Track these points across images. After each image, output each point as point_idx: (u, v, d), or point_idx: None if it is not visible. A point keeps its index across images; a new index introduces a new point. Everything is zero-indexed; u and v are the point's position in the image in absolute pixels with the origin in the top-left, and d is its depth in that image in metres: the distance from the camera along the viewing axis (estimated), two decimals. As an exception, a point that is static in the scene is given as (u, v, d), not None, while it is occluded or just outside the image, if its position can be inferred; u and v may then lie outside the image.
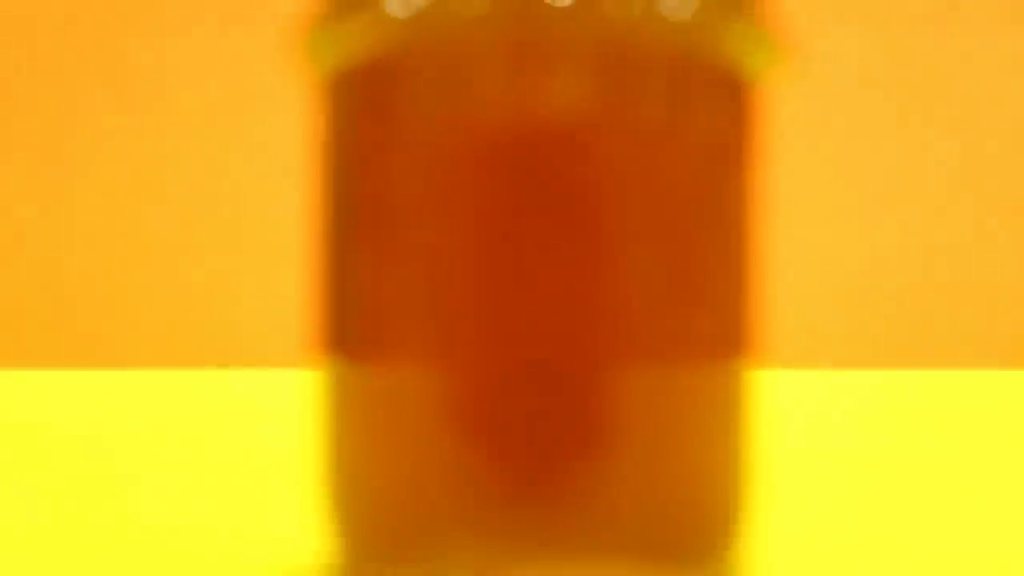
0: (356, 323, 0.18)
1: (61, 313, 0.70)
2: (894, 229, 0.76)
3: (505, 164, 0.16)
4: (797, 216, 0.70)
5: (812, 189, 0.74)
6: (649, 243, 0.16)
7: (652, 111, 0.17)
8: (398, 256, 0.17)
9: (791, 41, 0.17)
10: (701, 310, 0.17)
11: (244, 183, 0.63)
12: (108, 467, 0.33)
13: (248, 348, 0.59)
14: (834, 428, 0.45)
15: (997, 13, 0.78)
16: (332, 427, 0.18)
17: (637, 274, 0.16)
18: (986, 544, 0.24)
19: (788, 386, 0.60)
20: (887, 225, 0.76)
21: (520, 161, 0.16)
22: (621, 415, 0.16)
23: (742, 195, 0.18)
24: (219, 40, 0.63)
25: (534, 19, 0.16)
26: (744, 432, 0.18)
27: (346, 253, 0.18)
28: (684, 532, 0.17)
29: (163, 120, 0.68)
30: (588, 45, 0.16)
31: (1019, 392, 0.61)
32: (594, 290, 0.16)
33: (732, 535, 0.18)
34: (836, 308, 0.73)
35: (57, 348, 0.69)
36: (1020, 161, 0.78)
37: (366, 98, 0.18)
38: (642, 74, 0.16)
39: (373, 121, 0.18)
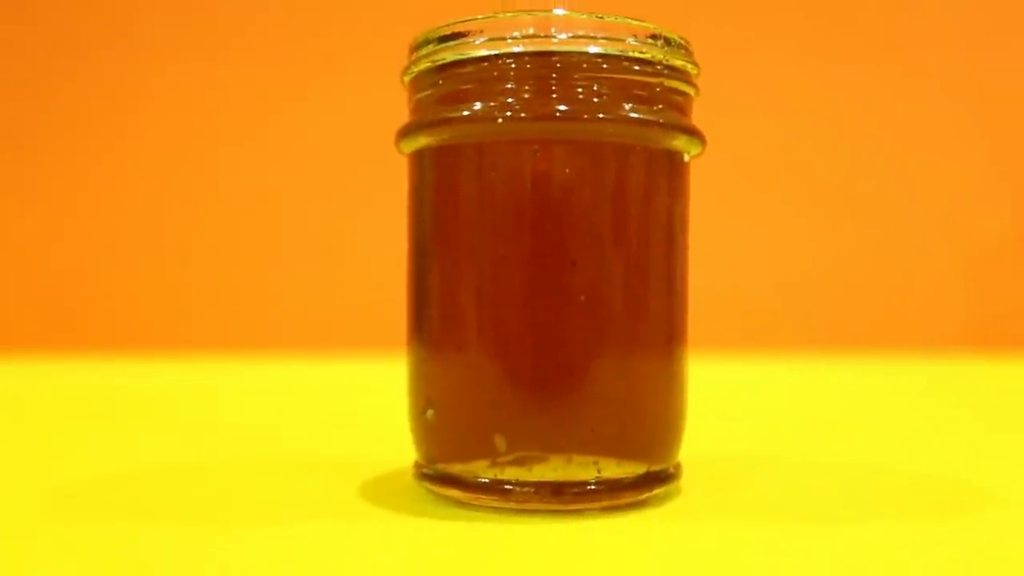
0: (431, 321, 0.28)
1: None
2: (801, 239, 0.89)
3: (524, 214, 0.26)
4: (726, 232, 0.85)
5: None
6: (617, 266, 0.27)
7: (618, 178, 0.27)
8: (455, 278, 0.27)
9: (706, 133, 0.26)
10: (650, 305, 0.27)
11: (363, 229, 0.82)
12: (270, 418, 0.44)
13: (365, 337, 0.74)
14: (757, 393, 0.56)
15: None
16: (416, 382, 0.28)
17: (610, 283, 0.27)
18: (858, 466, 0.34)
19: (722, 365, 0.71)
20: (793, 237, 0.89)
21: (534, 212, 0.26)
22: (601, 368, 0.27)
23: (677, 233, 0.28)
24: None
25: (544, 123, 0.26)
26: (679, 384, 0.29)
27: (425, 275, 0.28)
28: (641, 440, 0.27)
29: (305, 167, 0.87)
30: (577, 138, 0.26)
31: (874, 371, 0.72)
32: (583, 293, 0.26)
33: (673, 445, 0.28)
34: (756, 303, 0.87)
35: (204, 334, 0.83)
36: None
37: (439, 168, 0.28)
38: (610, 156, 0.27)
39: (442, 182, 0.28)
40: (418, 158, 0.28)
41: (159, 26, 0.87)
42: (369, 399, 0.56)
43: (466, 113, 0.27)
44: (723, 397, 0.55)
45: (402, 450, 0.30)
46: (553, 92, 0.26)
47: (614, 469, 0.26)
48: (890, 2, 0.91)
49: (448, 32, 0.27)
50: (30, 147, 0.88)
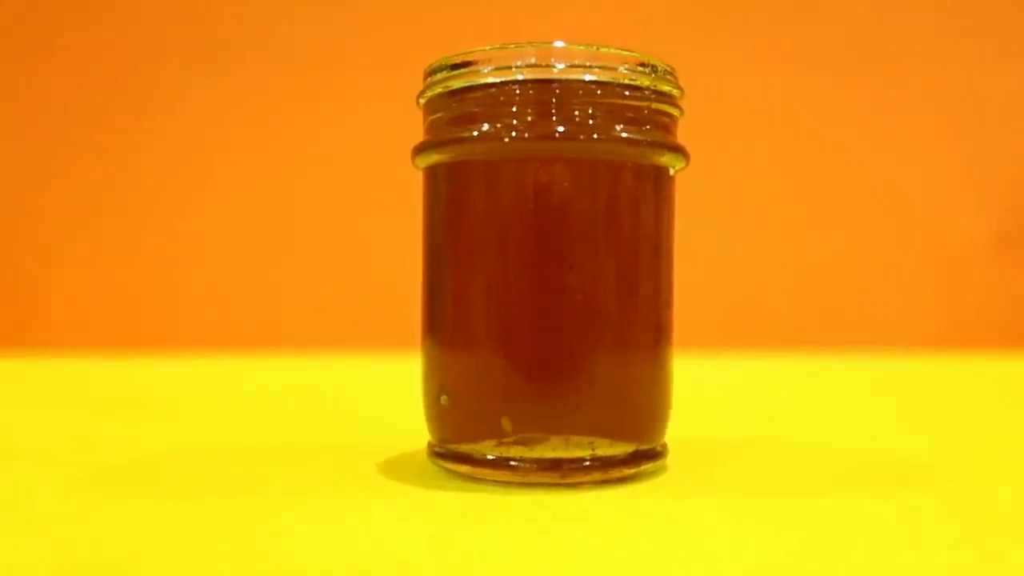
0: (444, 318, 0.31)
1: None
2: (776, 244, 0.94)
3: (527, 223, 0.30)
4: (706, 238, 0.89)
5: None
6: (609, 269, 0.30)
7: (610, 192, 0.30)
8: (466, 280, 0.31)
9: (689, 149, 0.30)
10: (639, 304, 0.31)
11: (380, 237, 0.88)
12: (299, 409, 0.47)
13: (381, 336, 0.79)
14: (731, 385, 0.60)
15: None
16: (431, 372, 0.32)
17: (604, 284, 0.30)
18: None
19: (701, 361, 0.74)
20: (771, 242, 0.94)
21: (535, 221, 0.30)
22: (596, 360, 0.30)
23: (664, 239, 0.32)
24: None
25: (544, 142, 0.30)
26: (665, 374, 0.32)
27: (438, 277, 0.32)
28: (631, 422, 0.31)
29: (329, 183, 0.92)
30: (574, 156, 0.30)
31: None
32: (580, 293, 0.30)
33: (660, 428, 0.32)
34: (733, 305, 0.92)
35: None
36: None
37: (450, 182, 0.31)
38: (603, 172, 0.30)
39: (454, 195, 0.31)
40: (432, 173, 0.32)
41: (207, 55, 0.93)
42: (385, 391, 0.59)
43: (475, 133, 0.30)
44: (707, 389, 0.59)
45: (416, 434, 0.34)
46: (553, 115, 0.29)
47: (607, 448, 0.30)
48: (872, 12, 0.95)
49: (459, 61, 0.31)
50: (60, 150, 0.92)
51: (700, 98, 0.38)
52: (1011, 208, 0.95)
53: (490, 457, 0.30)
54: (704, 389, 0.58)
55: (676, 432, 0.33)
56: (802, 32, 0.94)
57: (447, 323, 0.31)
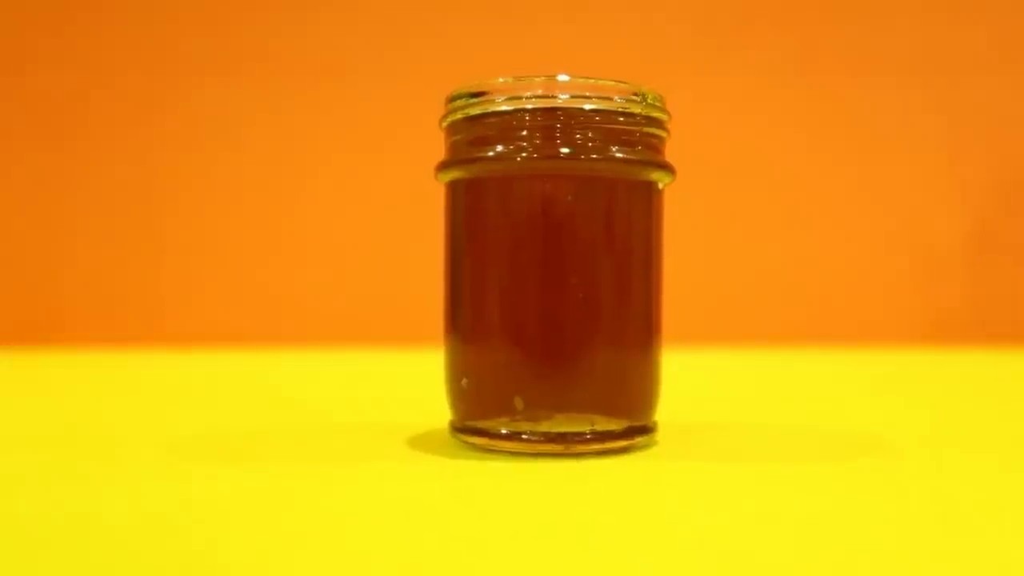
0: (464, 313, 0.36)
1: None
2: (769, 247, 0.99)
3: (535, 231, 0.35)
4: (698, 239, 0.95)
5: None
6: (606, 270, 0.35)
7: (607, 204, 0.35)
8: (482, 280, 0.36)
9: (677, 167, 0.35)
10: (632, 301, 0.36)
11: (410, 245, 0.91)
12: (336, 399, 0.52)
13: (414, 331, 0.83)
14: (718, 374, 0.64)
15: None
16: (453, 359, 0.37)
17: (602, 283, 0.35)
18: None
19: (697, 353, 0.79)
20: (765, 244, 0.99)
21: (543, 229, 0.34)
22: (595, 348, 0.35)
23: (654, 244, 0.36)
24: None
25: (550, 161, 0.34)
26: (656, 362, 0.37)
27: (459, 278, 0.36)
28: (626, 402, 0.35)
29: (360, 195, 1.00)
30: (576, 174, 0.35)
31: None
32: (581, 291, 0.34)
33: (650, 407, 0.37)
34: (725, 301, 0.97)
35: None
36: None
37: (469, 196, 0.36)
38: (601, 187, 0.35)
39: (472, 207, 0.36)
40: (453, 187, 0.37)
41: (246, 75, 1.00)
42: (411, 380, 0.65)
43: (491, 153, 0.35)
44: (695, 378, 0.64)
45: (439, 414, 0.39)
46: (558, 138, 0.34)
47: (605, 423, 0.35)
48: (857, 21, 0.99)
49: (476, 90, 0.35)
50: (87, 155, 0.98)
51: (688, 108, 0.43)
52: (988, 209, 0.99)
53: (504, 431, 0.35)
54: (692, 378, 0.64)
55: (665, 413, 0.38)
56: (786, 41, 0.99)
57: (467, 318, 0.36)
